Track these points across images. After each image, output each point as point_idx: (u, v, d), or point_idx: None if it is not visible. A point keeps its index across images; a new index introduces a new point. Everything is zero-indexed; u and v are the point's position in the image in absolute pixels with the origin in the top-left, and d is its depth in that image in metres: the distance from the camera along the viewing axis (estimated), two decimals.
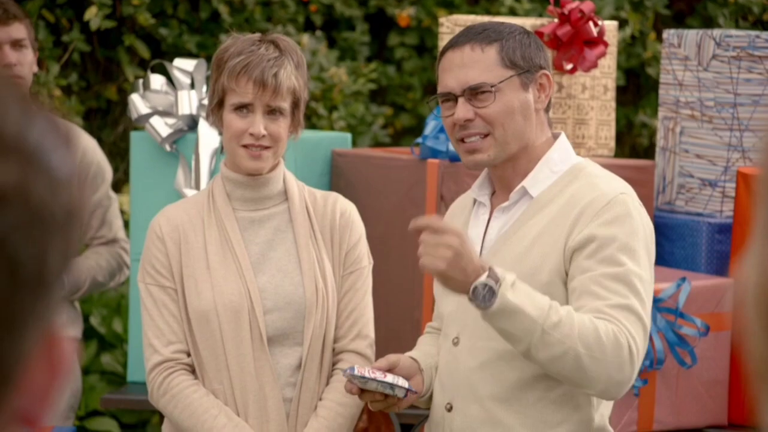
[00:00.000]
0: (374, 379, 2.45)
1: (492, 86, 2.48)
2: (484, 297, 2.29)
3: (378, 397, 2.48)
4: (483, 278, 2.28)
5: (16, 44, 3.53)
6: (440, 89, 2.54)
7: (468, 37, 2.52)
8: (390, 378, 2.46)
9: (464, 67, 2.49)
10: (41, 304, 0.79)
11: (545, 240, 2.45)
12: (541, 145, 2.54)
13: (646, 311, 2.40)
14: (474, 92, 2.49)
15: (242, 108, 2.66)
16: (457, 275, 2.29)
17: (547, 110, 2.57)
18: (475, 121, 2.49)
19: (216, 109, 2.71)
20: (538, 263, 2.43)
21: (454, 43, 2.53)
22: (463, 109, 2.49)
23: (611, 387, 2.36)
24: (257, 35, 2.73)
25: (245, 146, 2.67)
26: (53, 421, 3.46)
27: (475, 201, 2.61)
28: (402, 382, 2.46)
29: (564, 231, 2.44)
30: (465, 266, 2.29)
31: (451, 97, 2.51)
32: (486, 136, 2.50)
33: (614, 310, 2.36)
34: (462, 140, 2.52)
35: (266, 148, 2.67)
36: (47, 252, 0.79)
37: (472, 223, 2.58)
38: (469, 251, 2.30)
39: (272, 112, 2.67)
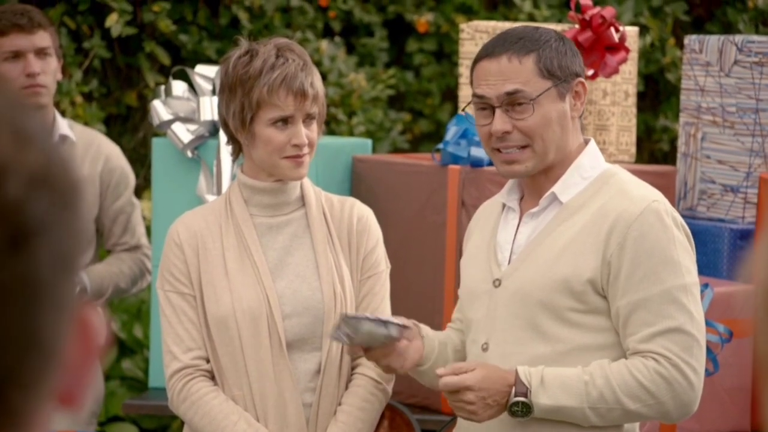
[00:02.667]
0: (366, 319, 2.47)
1: (531, 99, 2.46)
2: (522, 413, 2.42)
3: (380, 352, 2.52)
4: (512, 398, 2.41)
5: (41, 53, 3.54)
6: (476, 98, 2.52)
7: (504, 46, 2.49)
8: (382, 318, 2.50)
9: (502, 77, 2.47)
10: (73, 282, 0.83)
11: (577, 248, 2.45)
12: (573, 151, 2.54)
13: (695, 321, 2.44)
14: (513, 105, 2.48)
15: (280, 121, 2.67)
16: (491, 411, 2.43)
17: (580, 116, 2.56)
18: (513, 133, 2.48)
19: (244, 125, 2.69)
20: (571, 272, 2.44)
21: (491, 52, 2.50)
22: (500, 122, 2.48)
23: (680, 414, 2.46)
24: (269, 46, 2.69)
25: (287, 157, 2.68)
26: (76, 426, 3.47)
27: (504, 205, 2.61)
28: (396, 321, 2.49)
29: (599, 242, 2.44)
30: (493, 401, 2.43)
31: (488, 107, 2.50)
32: (524, 147, 2.49)
33: (662, 338, 2.42)
34: (498, 150, 2.51)
35: (306, 154, 2.69)
36: (71, 230, 0.82)
37: (501, 227, 2.58)
38: (489, 386, 2.42)
39: (307, 118, 2.69)
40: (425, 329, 2.62)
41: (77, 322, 0.83)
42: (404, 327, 2.48)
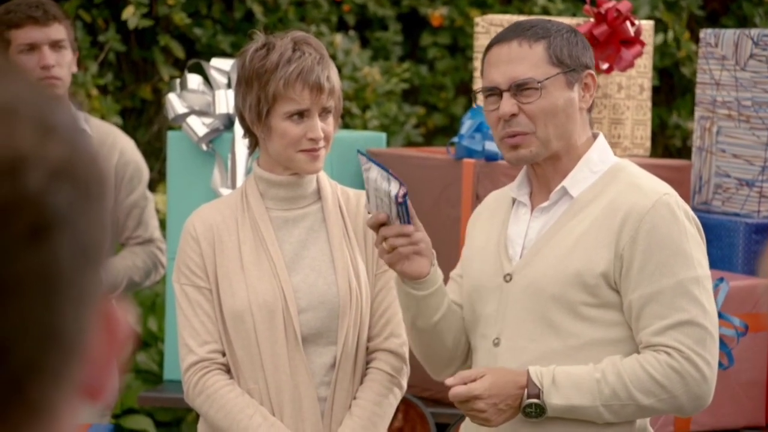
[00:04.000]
0: (377, 164, 2.48)
1: (538, 83, 2.47)
2: (536, 414, 2.42)
3: (392, 230, 2.47)
4: (525, 400, 2.41)
5: (56, 45, 3.55)
6: (485, 83, 2.53)
7: (516, 32, 2.51)
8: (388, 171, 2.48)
9: (511, 62, 2.49)
10: (97, 275, 0.82)
11: (589, 242, 2.45)
12: (582, 145, 2.54)
13: (708, 314, 2.44)
14: (520, 88, 2.49)
15: (296, 114, 2.67)
16: (504, 415, 2.44)
17: (590, 110, 2.57)
18: (519, 117, 2.49)
19: (260, 119, 2.70)
20: (583, 266, 2.44)
21: (502, 38, 2.52)
22: (508, 104, 2.49)
23: (695, 407, 2.45)
24: (286, 40, 2.70)
25: (303, 150, 2.68)
26: (90, 419, 3.47)
27: (514, 200, 2.61)
28: (397, 177, 2.47)
29: (611, 236, 2.44)
30: (506, 405, 2.43)
31: (496, 92, 2.51)
32: (527, 134, 2.50)
33: (674, 330, 2.41)
34: (505, 137, 2.52)
35: (321, 148, 2.69)
36: (95, 222, 0.82)
37: (512, 222, 2.58)
38: (498, 392, 2.42)
39: (323, 112, 2.69)
40: (436, 267, 2.59)
41: (102, 315, 0.83)
42: (402, 185, 2.47)
